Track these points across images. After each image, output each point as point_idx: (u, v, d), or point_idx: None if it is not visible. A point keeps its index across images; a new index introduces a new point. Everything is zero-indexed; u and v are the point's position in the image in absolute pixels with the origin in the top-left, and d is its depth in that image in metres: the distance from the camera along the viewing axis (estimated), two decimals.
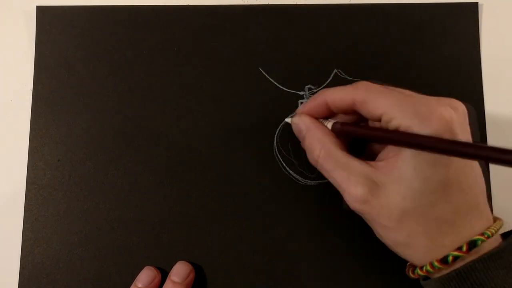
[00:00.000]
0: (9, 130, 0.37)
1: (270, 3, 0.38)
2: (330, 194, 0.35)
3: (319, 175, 0.35)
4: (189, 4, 0.38)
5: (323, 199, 0.35)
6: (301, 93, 0.36)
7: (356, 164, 0.27)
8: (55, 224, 0.35)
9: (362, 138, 0.30)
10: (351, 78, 0.36)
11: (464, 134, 0.26)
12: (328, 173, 0.28)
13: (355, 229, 0.34)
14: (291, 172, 0.35)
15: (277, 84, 0.36)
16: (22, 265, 0.34)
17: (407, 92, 0.28)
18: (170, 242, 0.35)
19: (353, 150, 0.30)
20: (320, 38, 0.37)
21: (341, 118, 0.31)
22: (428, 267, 0.26)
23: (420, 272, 0.27)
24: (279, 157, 0.35)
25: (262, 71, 0.37)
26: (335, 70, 0.36)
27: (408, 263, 0.30)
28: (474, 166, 0.27)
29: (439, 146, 0.24)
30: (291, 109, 0.36)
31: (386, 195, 0.26)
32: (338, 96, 0.29)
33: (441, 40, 0.37)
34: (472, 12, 0.37)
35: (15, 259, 0.34)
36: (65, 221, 0.35)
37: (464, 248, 0.25)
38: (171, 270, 0.33)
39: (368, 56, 0.37)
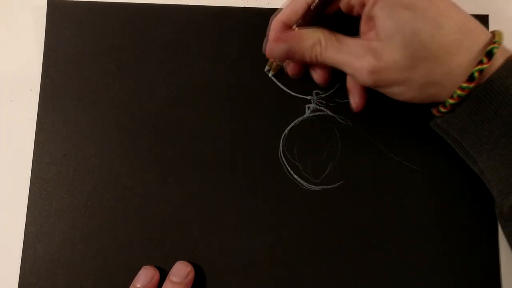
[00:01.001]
0: (10, 129, 0.37)
1: (274, 7, 0.38)
2: (334, 200, 0.35)
3: (324, 181, 0.35)
4: (200, 4, 0.38)
5: (326, 204, 0.35)
6: (309, 97, 0.36)
7: (352, 41, 0.30)
8: (58, 219, 0.35)
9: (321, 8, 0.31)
10: None
11: None
12: (332, 60, 0.30)
13: (358, 234, 0.34)
14: (295, 176, 0.35)
15: (285, 88, 0.36)
16: (23, 259, 0.34)
17: None
18: (171, 242, 0.35)
19: None
20: None
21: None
22: (458, 92, 0.28)
23: (451, 101, 0.28)
24: (284, 161, 0.35)
25: (270, 74, 0.37)
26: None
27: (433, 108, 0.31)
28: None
29: None
30: (298, 113, 0.36)
31: (389, 51, 0.28)
32: (288, 11, 0.32)
33: None
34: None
35: (16, 253, 0.34)
36: (68, 217, 0.35)
37: (485, 60, 0.27)
38: (171, 270, 0.33)
39: None
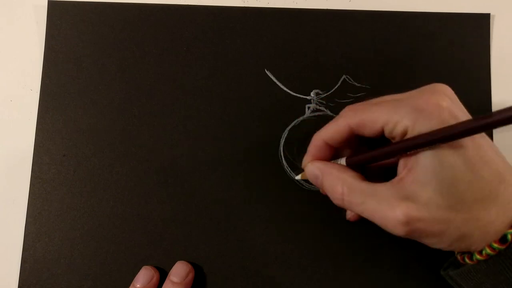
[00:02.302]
0: (10, 129, 0.37)
1: (274, 6, 0.38)
2: None
3: None
4: (199, 4, 0.38)
5: (327, 204, 0.35)
6: (309, 97, 0.36)
7: (382, 188, 0.26)
8: (58, 219, 0.35)
9: (377, 160, 0.29)
10: (359, 85, 0.36)
11: (463, 113, 0.26)
12: (358, 207, 0.27)
13: (359, 235, 0.34)
14: (295, 176, 0.35)
15: (284, 88, 0.36)
16: (23, 259, 0.34)
17: (389, 97, 0.28)
18: (171, 242, 0.35)
19: (370, 178, 0.29)
20: (330, 43, 0.37)
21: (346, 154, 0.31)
22: (488, 251, 0.26)
23: (479, 257, 0.26)
24: (284, 161, 0.35)
25: (269, 74, 0.37)
26: (344, 76, 0.36)
27: (457, 253, 0.29)
28: (484, 137, 0.26)
29: (452, 133, 0.24)
30: (298, 113, 0.36)
31: (425, 202, 0.25)
32: (332, 130, 0.29)
33: (451, 49, 0.37)
34: (483, 23, 0.37)
35: (16, 253, 0.35)
36: (68, 217, 0.35)
37: None
38: (171, 270, 0.33)
39: (377, 63, 0.37)
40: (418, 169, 0.25)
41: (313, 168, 0.30)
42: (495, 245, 0.26)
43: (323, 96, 0.36)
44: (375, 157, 0.28)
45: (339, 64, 0.36)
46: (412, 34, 0.37)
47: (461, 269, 0.28)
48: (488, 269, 0.26)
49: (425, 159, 0.25)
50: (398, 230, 0.26)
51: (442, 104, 0.25)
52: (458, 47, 0.37)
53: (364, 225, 0.34)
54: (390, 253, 0.34)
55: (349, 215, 0.34)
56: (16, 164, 0.36)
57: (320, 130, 0.30)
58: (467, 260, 0.28)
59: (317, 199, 0.35)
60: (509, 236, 0.25)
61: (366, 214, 0.27)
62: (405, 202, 0.25)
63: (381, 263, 0.34)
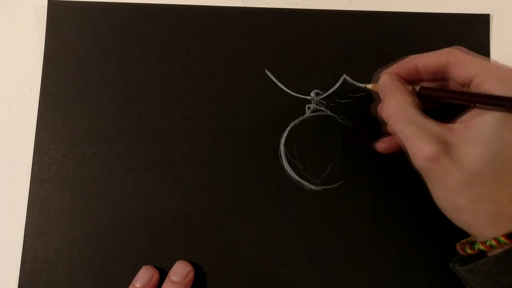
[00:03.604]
0: (10, 129, 0.37)
1: (272, 6, 0.38)
2: (334, 200, 0.35)
3: (324, 181, 0.35)
4: (199, 4, 0.38)
5: (327, 204, 0.35)
6: (309, 97, 0.36)
7: (430, 123, 0.27)
8: (58, 219, 0.35)
9: (447, 102, 0.29)
10: (360, 85, 0.36)
11: None
12: (401, 128, 0.28)
13: (359, 235, 0.34)
14: (295, 176, 0.35)
15: (284, 88, 0.36)
16: (23, 259, 0.34)
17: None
18: (171, 241, 0.35)
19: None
20: (330, 43, 0.37)
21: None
22: (493, 242, 0.25)
23: (481, 247, 0.26)
24: (284, 161, 0.35)
25: (270, 74, 0.37)
26: (343, 76, 0.36)
27: (460, 242, 0.29)
28: None
29: None
30: (298, 113, 0.36)
31: (460, 155, 0.25)
32: (430, 58, 0.29)
33: None
34: (483, 24, 0.37)
35: (16, 253, 0.34)
36: (68, 217, 0.35)
37: None
38: (171, 269, 0.34)
39: (378, 63, 0.36)
40: (476, 128, 0.26)
41: (388, 78, 0.31)
42: (502, 238, 0.25)
43: (323, 96, 0.36)
44: (447, 97, 0.28)
45: (339, 64, 0.36)
46: (412, 34, 0.37)
47: (468, 267, 0.27)
48: (493, 269, 0.25)
49: (488, 123, 0.25)
50: (420, 162, 0.26)
51: None
52: None
53: (364, 225, 0.34)
54: (390, 253, 0.34)
55: (380, 147, 0.34)
56: (16, 164, 0.36)
57: (418, 55, 0.30)
58: (468, 250, 0.27)
59: (317, 199, 0.35)
60: None
61: (402, 136, 0.28)
62: (442, 144, 0.26)
63: (381, 263, 0.34)
